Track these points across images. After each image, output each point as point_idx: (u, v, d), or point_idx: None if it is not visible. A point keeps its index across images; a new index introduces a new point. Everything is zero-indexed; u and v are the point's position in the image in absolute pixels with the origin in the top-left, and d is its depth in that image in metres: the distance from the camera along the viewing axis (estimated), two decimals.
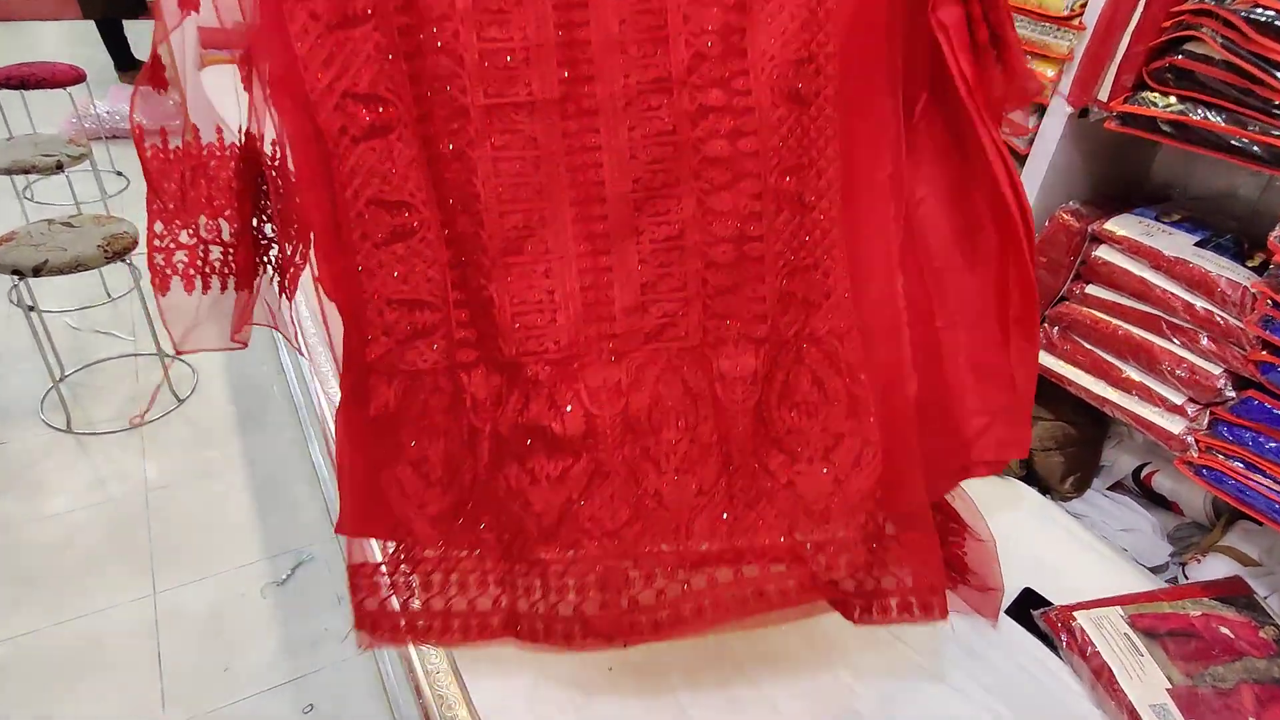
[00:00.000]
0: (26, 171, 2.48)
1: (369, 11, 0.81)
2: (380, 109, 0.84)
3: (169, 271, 0.88)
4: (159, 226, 0.86)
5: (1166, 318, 1.30)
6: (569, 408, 0.92)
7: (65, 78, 3.11)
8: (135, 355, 2.58)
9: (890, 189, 0.91)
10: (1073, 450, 1.63)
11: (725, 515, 0.97)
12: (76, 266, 2.02)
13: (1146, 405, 1.34)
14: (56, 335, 2.61)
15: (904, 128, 0.91)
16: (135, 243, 2.15)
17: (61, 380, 2.40)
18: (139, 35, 4.53)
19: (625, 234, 0.91)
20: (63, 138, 2.66)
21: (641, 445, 0.94)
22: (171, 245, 0.87)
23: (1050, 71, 1.34)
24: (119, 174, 3.61)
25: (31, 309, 2.14)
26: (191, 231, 0.88)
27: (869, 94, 0.88)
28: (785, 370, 0.96)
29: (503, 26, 0.84)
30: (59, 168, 2.53)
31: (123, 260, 2.12)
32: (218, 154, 0.88)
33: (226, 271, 0.91)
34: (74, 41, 4.58)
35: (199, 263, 0.89)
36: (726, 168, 0.89)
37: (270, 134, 0.86)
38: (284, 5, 0.80)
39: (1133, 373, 1.36)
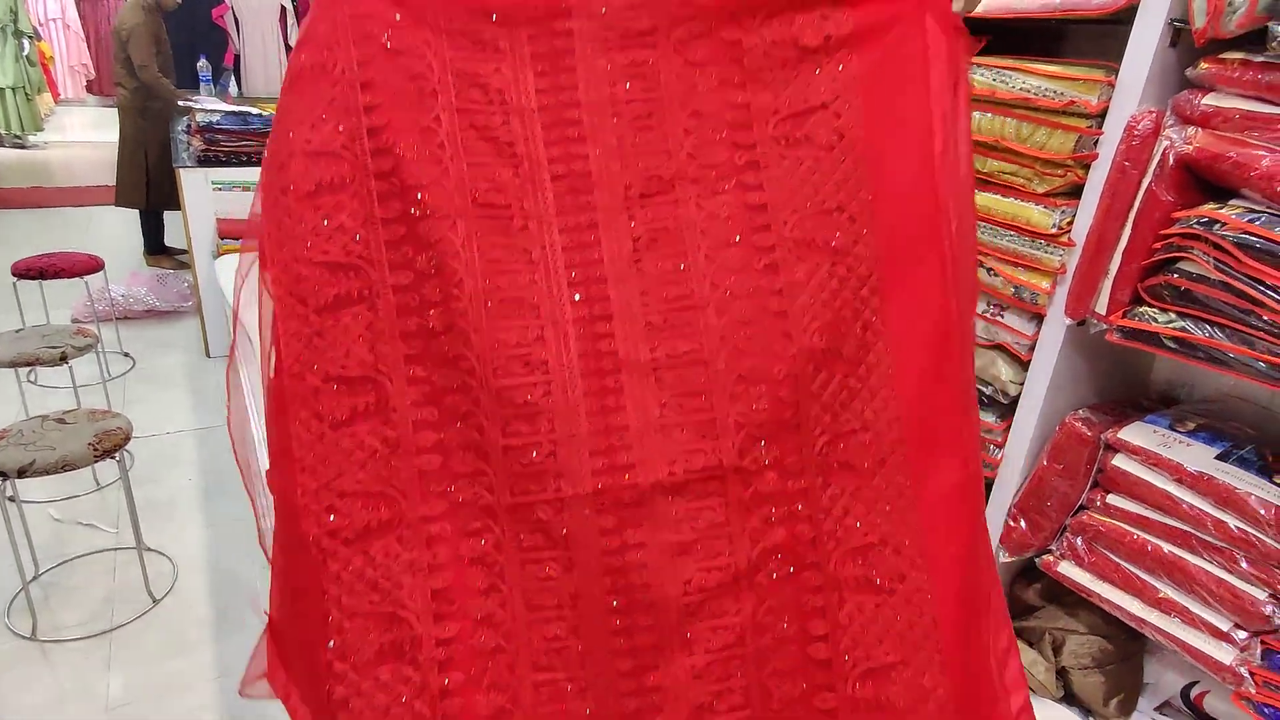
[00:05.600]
0: (30, 364, 2.49)
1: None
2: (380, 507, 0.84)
3: None
4: None
5: (1198, 534, 1.23)
6: None
7: (83, 268, 3.22)
8: (116, 550, 2.47)
9: None
10: (1112, 668, 1.50)
11: None
12: (63, 467, 1.97)
13: (1190, 630, 1.24)
14: (37, 527, 2.52)
15: None
16: (127, 438, 2.12)
17: (34, 580, 2.28)
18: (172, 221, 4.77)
19: (674, 646, 0.84)
20: (70, 329, 2.69)
21: None
22: None
23: (1044, 283, 1.35)
24: (126, 355, 3.65)
25: (10, 500, 2.07)
26: None
27: None
28: None
29: (530, 420, 0.84)
30: (63, 359, 2.54)
31: (112, 457, 2.07)
32: None
33: None
34: (131, 220, 4.80)
35: None
36: (785, 556, 0.85)
37: None
38: None
39: (1170, 592, 1.27)
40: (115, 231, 5.28)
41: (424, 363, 0.83)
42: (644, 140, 0.85)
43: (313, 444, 0.82)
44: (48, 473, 1.96)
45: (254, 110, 3.54)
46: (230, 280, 3.15)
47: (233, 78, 5.36)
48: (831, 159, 0.87)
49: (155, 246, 4.62)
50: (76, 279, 3.23)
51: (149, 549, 2.44)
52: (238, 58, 5.30)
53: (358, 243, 0.82)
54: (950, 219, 0.87)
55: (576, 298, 0.84)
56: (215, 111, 3.37)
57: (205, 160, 3.37)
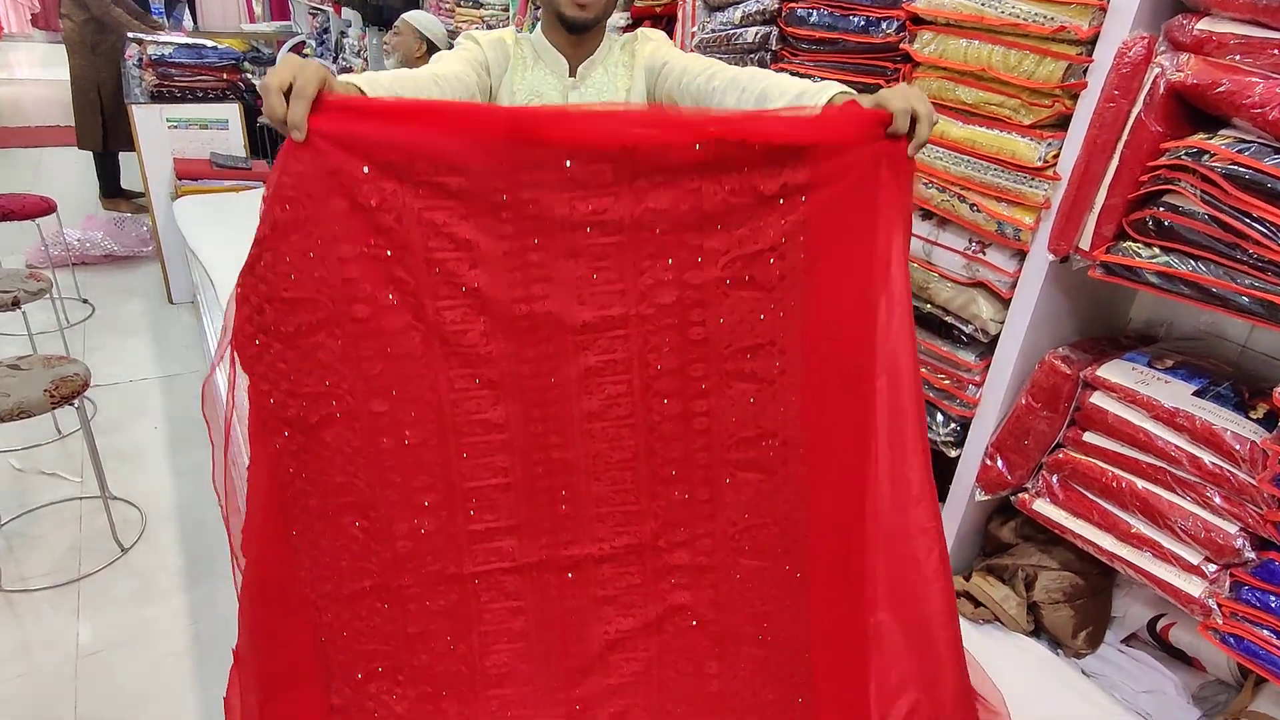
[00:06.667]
0: None
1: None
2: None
3: None
4: None
5: (1172, 471, 1.23)
6: None
7: (34, 209, 3.08)
8: (80, 499, 2.42)
9: None
10: (1082, 602, 1.52)
11: None
12: (19, 414, 1.90)
13: (1161, 564, 1.25)
14: None
15: None
16: (85, 385, 2.05)
17: None
18: (127, 165, 4.59)
19: (596, 670, 1.06)
20: (23, 273, 2.58)
21: None
22: None
23: (1028, 219, 1.32)
24: (84, 301, 3.53)
25: None
26: None
27: None
28: None
29: (494, 510, 1.01)
30: (15, 304, 2.44)
31: (70, 404, 2.00)
32: None
33: None
34: (86, 162, 4.62)
35: None
36: (689, 613, 1.05)
37: None
38: None
39: (1142, 527, 1.28)
40: (69, 174, 5.07)
41: (401, 471, 0.96)
42: (602, 280, 0.94)
43: (304, 533, 0.97)
44: (2, 420, 1.89)
45: (209, 43, 3.36)
46: (189, 224, 3.04)
47: (186, 10, 5.11)
48: (771, 299, 0.97)
49: (111, 189, 4.44)
50: (28, 221, 3.09)
51: (116, 498, 2.39)
52: None
53: (336, 375, 0.91)
54: (877, 353, 1.00)
55: (534, 416, 0.98)
56: (168, 44, 3.20)
57: (159, 96, 3.21)
